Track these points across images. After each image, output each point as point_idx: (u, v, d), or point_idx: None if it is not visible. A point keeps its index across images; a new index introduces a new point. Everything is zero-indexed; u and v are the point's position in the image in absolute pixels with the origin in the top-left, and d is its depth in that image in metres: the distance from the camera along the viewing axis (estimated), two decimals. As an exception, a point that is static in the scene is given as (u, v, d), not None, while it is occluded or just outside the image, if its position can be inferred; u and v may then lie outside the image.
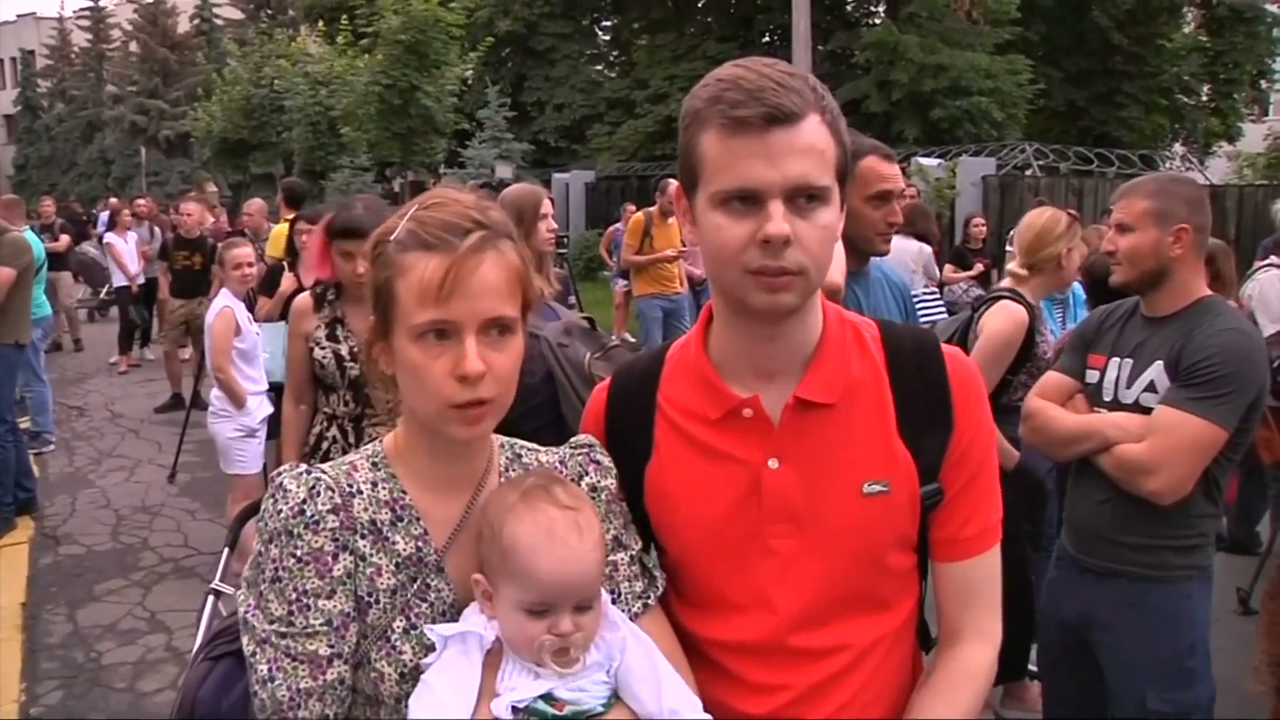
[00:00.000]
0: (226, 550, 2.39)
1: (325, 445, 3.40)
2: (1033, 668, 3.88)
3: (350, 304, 3.37)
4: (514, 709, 1.17)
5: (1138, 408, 2.52)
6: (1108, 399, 2.61)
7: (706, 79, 1.25)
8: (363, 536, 1.24)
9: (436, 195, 1.28)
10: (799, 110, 1.18)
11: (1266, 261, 5.50)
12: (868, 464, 1.31)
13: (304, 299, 3.55)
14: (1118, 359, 2.61)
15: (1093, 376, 2.67)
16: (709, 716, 1.25)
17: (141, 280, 11.46)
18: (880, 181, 2.77)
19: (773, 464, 1.31)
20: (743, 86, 1.19)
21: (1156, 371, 2.49)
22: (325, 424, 3.42)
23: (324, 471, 1.26)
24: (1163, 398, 2.45)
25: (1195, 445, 2.39)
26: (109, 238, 11.95)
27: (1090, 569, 2.62)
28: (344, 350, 3.32)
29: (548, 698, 1.18)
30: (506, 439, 1.38)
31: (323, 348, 3.35)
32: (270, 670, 1.18)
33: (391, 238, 1.22)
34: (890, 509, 1.32)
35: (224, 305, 5.10)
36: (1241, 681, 3.57)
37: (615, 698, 1.22)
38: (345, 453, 3.41)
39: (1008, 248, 11.56)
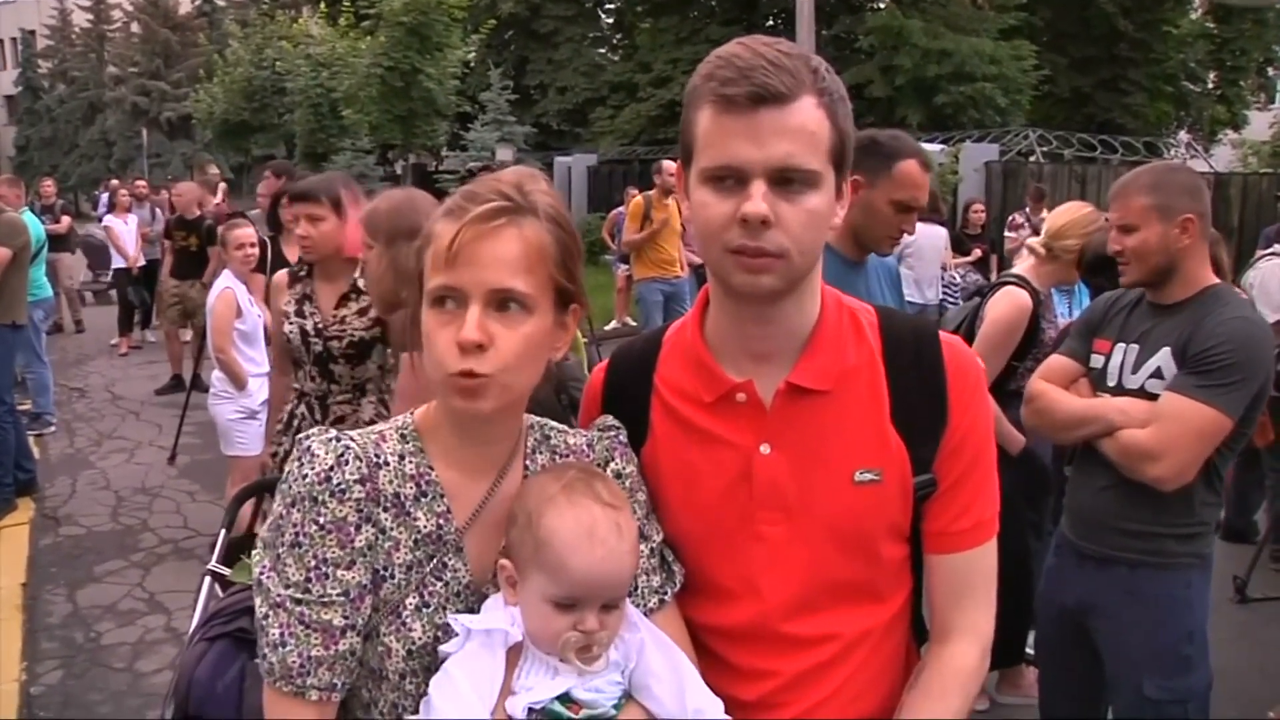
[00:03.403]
0: (224, 532, 2.40)
1: (296, 422, 3.48)
2: (1030, 652, 3.90)
3: (320, 280, 3.46)
4: (530, 710, 1.16)
5: (1143, 394, 2.50)
6: (1112, 384, 2.59)
7: (709, 56, 1.25)
8: (385, 509, 1.22)
9: (487, 174, 1.27)
10: (789, 91, 1.17)
11: (1268, 250, 5.49)
12: (860, 452, 1.30)
13: (281, 275, 3.66)
14: (1124, 344, 2.59)
15: (1097, 361, 2.66)
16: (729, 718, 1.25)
17: (142, 262, 11.46)
18: (914, 189, 2.75)
19: (764, 449, 1.31)
20: (735, 65, 1.18)
21: (1164, 358, 2.48)
22: (296, 401, 3.51)
23: (353, 439, 1.24)
24: (1170, 384, 2.44)
25: (1201, 432, 2.38)
26: (107, 220, 11.93)
27: (1090, 555, 2.61)
28: (309, 325, 3.40)
29: (564, 699, 1.17)
30: (537, 419, 1.36)
31: (291, 322, 3.43)
32: (282, 635, 1.17)
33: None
34: (882, 498, 1.31)
35: (225, 286, 5.09)
36: (1235, 669, 3.58)
37: (627, 698, 1.22)
38: None
39: (1006, 233, 11.53)
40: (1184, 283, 2.52)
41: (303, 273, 3.52)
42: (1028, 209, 11.66)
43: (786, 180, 1.19)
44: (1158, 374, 2.49)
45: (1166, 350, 2.48)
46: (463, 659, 1.18)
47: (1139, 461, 2.44)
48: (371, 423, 3.36)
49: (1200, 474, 2.44)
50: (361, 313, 3.37)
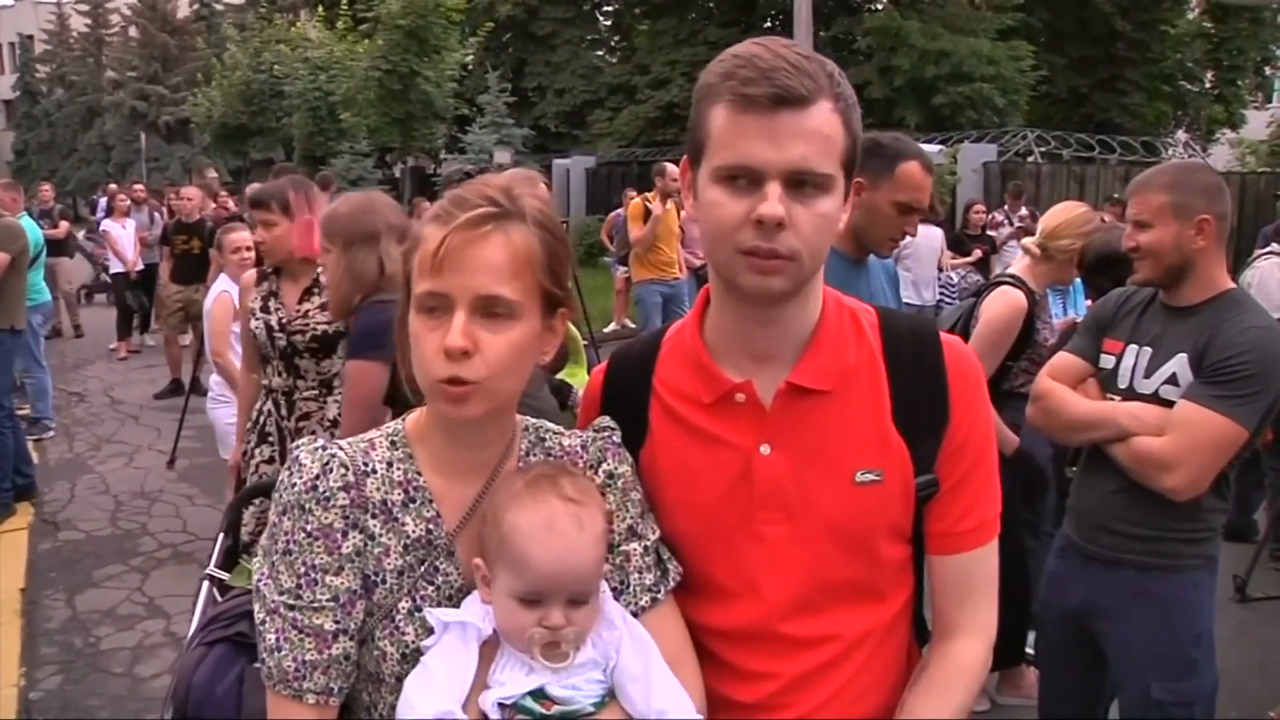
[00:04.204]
0: (222, 536, 2.39)
1: (262, 419, 3.53)
2: (1030, 651, 3.89)
3: (285, 278, 3.53)
4: (501, 705, 1.17)
5: (1156, 399, 2.45)
6: (1122, 386, 2.54)
7: (724, 54, 1.24)
8: (373, 516, 1.23)
9: (477, 178, 1.28)
10: (809, 94, 1.17)
11: (1266, 249, 5.49)
12: (861, 452, 1.30)
13: (250, 274, 3.77)
14: (1136, 346, 2.53)
15: (1107, 362, 2.60)
16: (699, 718, 1.25)
17: (141, 266, 11.45)
18: (916, 190, 2.76)
19: (764, 450, 1.30)
20: (756, 65, 1.18)
21: (1179, 364, 2.42)
22: (264, 397, 3.55)
23: (340, 448, 1.26)
24: (1185, 392, 2.38)
25: (1216, 443, 2.33)
26: (105, 225, 11.92)
27: (1096, 557, 2.57)
28: (274, 321, 3.44)
29: (537, 695, 1.17)
30: (532, 421, 1.37)
31: (257, 319, 3.49)
32: (278, 640, 1.19)
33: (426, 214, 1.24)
34: (883, 499, 1.31)
35: (222, 290, 5.08)
36: (1235, 668, 3.58)
37: (609, 697, 1.22)
38: (280, 426, 3.57)
39: (987, 231, 11.54)
40: (1198, 285, 2.47)
41: (270, 270, 3.60)
42: (1007, 206, 11.86)
43: (801, 183, 1.18)
44: (1173, 380, 2.43)
45: (1183, 356, 2.41)
46: (439, 651, 1.20)
47: (1153, 470, 2.39)
48: (336, 420, 3.42)
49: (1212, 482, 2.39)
50: (323, 307, 3.42)
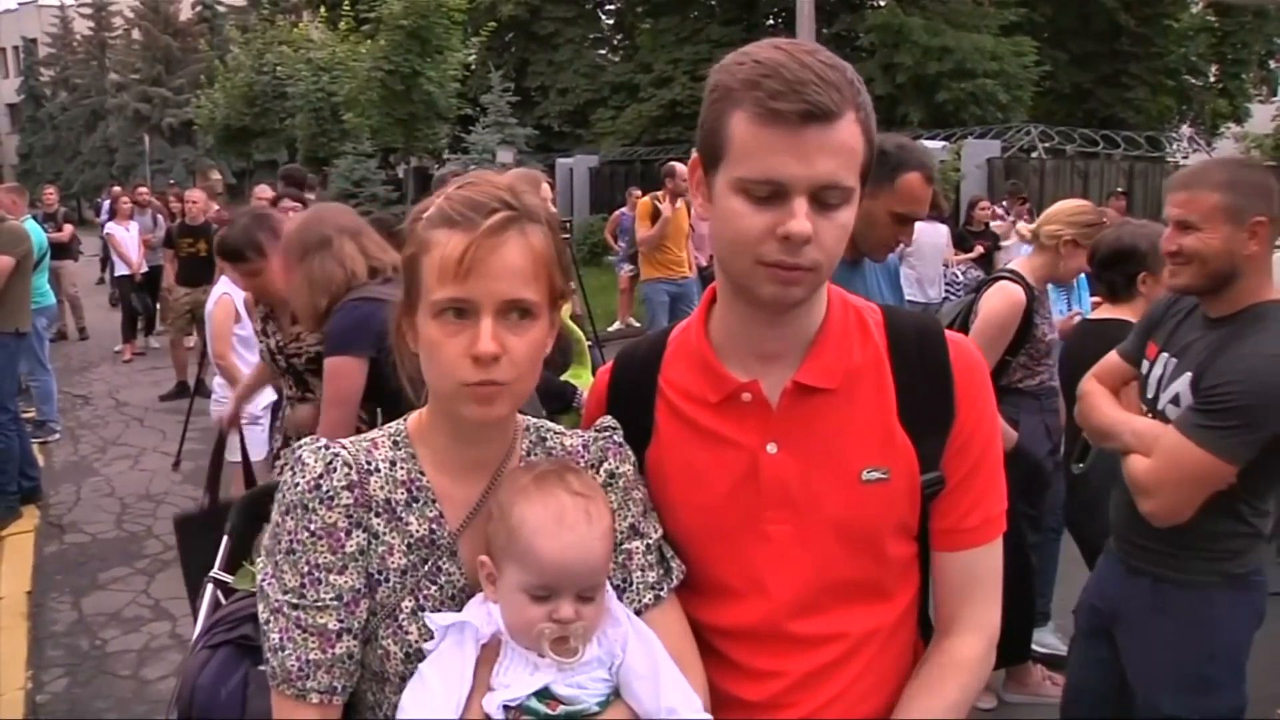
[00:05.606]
0: (226, 539, 2.38)
1: (279, 422, 3.63)
2: (1037, 648, 3.88)
3: (277, 303, 3.56)
4: (505, 708, 1.16)
5: (1163, 416, 2.32)
6: (1149, 396, 2.42)
7: (743, 57, 1.20)
8: (377, 515, 1.24)
9: (473, 176, 1.27)
10: (837, 109, 1.15)
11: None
12: (867, 450, 1.29)
13: (249, 295, 3.91)
14: (1166, 355, 2.40)
15: (1146, 367, 2.48)
16: (708, 716, 1.24)
17: (145, 269, 11.47)
18: (914, 203, 2.74)
19: (771, 449, 1.30)
20: (783, 76, 1.14)
21: (1183, 384, 2.28)
22: (283, 400, 3.61)
23: (343, 447, 1.26)
24: (1176, 417, 2.25)
25: (1193, 476, 2.18)
26: (109, 228, 11.94)
27: (1123, 563, 2.50)
28: (272, 344, 3.50)
29: (543, 695, 1.17)
30: (534, 421, 1.37)
31: (261, 341, 3.57)
32: (281, 639, 1.19)
33: (424, 215, 1.23)
34: (889, 497, 1.30)
35: (223, 292, 5.08)
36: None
37: (614, 696, 1.21)
38: None
39: (991, 222, 11.50)
40: (1237, 295, 2.26)
41: None
42: (1004, 203, 12.16)
43: (825, 196, 1.17)
44: (1175, 400, 2.30)
45: (1188, 376, 2.25)
46: (434, 659, 1.20)
47: (1136, 492, 2.30)
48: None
49: (1217, 508, 2.23)
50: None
